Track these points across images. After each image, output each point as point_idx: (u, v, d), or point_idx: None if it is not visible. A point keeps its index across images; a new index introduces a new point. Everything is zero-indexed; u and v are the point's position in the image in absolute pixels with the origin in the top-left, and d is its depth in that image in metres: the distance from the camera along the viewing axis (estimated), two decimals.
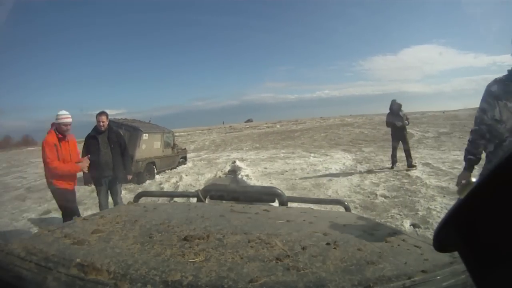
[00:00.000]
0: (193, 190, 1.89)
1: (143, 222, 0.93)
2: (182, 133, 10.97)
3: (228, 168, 7.90)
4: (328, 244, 0.76)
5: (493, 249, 0.32)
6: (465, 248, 0.35)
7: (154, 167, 7.73)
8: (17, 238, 0.79)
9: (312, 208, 1.89)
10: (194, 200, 1.93)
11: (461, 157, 2.00)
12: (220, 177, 6.97)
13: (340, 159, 8.85)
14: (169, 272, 0.60)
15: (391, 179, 5.76)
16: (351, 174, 6.61)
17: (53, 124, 3.07)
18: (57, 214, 4.30)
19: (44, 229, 0.87)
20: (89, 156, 3.30)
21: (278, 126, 32.54)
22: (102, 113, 3.56)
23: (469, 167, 1.94)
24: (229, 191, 1.91)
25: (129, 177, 3.79)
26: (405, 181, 5.46)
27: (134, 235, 0.81)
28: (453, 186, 4.37)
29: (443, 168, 6.14)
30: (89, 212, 4.49)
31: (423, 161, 7.13)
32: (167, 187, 6.61)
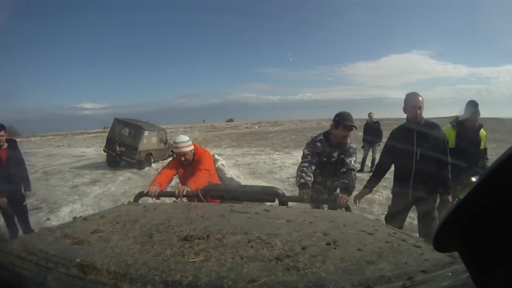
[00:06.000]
0: None
1: (143, 222, 0.93)
2: (167, 131, 12.49)
3: None
4: (328, 244, 0.76)
5: (493, 249, 0.32)
6: (465, 248, 0.35)
7: (151, 157, 9.98)
8: (17, 238, 0.79)
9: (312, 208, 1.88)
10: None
11: None
12: None
13: (297, 157, 11.89)
14: (169, 272, 0.59)
15: None
16: None
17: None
18: None
19: (44, 229, 0.87)
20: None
21: (256, 127, 33.48)
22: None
23: None
24: (229, 191, 1.91)
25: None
26: None
27: (134, 235, 0.81)
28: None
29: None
30: None
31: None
32: None
